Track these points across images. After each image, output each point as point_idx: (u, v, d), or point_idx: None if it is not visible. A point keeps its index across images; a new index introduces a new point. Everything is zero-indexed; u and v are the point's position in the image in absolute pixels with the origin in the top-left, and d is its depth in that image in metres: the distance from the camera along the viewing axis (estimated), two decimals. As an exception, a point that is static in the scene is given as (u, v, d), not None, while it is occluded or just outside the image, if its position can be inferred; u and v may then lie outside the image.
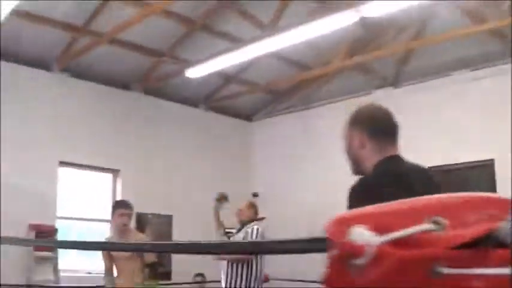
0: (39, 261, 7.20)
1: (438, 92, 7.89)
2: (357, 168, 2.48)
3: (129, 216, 5.44)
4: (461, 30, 7.11)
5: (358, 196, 2.27)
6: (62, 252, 7.46)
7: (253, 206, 6.51)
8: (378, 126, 2.42)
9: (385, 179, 2.31)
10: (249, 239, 6.09)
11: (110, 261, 5.43)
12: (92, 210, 8.10)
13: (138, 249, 4.76)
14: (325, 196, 8.89)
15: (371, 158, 2.38)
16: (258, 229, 6.27)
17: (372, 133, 2.39)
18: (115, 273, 5.49)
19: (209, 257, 8.71)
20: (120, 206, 5.51)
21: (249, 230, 6.21)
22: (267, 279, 8.36)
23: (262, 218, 9.65)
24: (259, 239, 6.18)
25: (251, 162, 10.25)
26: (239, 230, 6.34)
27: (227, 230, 6.57)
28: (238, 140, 10.15)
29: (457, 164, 7.67)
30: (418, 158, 7.44)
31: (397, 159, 2.39)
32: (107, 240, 5.60)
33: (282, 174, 9.63)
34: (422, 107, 7.98)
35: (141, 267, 5.45)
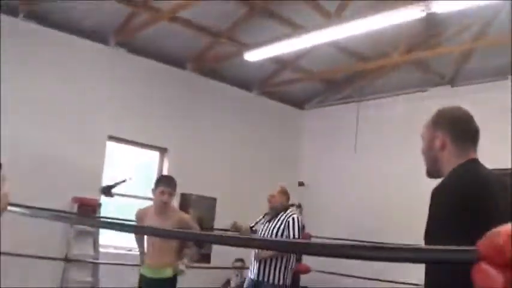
0: (80, 235, 7.21)
1: (497, 93, 7.61)
2: (433, 169, 2.55)
3: (170, 194, 5.21)
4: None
5: (444, 198, 2.29)
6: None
7: (285, 193, 6.15)
8: (461, 130, 2.49)
9: (470, 182, 2.33)
10: (291, 230, 5.87)
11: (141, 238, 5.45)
12: (137, 188, 8.04)
13: (174, 235, 4.70)
14: (371, 191, 8.75)
15: (450, 160, 2.45)
16: (298, 218, 6.04)
17: (454, 136, 2.47)
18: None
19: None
20: (161, 183, 5.27)
21: (290, 220, 5.95)
22: (308, 271, 8.24)
23: (296, 205, 9.59)
24: (299, 230, 5.98)
25: (300, 151, 10.11)
26: (272, 218, 6.05)
27: (252, 225, 6.24)
28: (288, 128, 10.02)
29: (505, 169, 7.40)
30: (480, 159, 7.09)
31: (477, 163, 2.44)
32: (141, 212, 5.43)
33: (330, 166, 9.48)
34: (479, 107, 7.71)
35: (177, 248, 5.33)
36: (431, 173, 2.58)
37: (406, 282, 6.84)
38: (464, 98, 7.68)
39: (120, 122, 7.65)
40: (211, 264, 8.52)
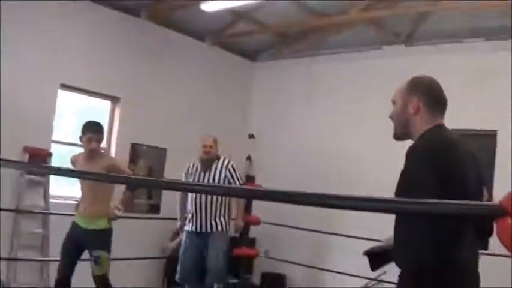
0: (30, 186, 7.06)
1: (449, 56, 7.73)
2: (403, 131, 2.79)
3: (98, 141, 5.28)
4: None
5: (420, 156, 2.52)
6: (53, 178, 7.34)
7: (217, 142, 6.52)
8: (434, 97, 2.75)
9: (441, 144, 2.61)
10: (235, 177, 6.38)
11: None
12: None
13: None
14: (322, 144, 8.85)
15: (421, 124, 2.69)
16: (233, 165, 6.47)
17: (428, 102, 2.72)
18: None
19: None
20: (88, 130, 5.27)
21: (230, 168, 6.41)
22: (258, 222, 8.34)
23: (246, 157, 9.66)
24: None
25: (250, 103, 10.09)
26: (208, 168, 6.36)
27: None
28: (240, 79, 9.96)
29: (459, 130, 7.57)
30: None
31: (445, 128, 2.72)
32: (73, 158, 5.50)
33: (280, 118, 9.50)
34: (431, 68, 7.81)
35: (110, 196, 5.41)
36: (400, 136, 2.82)
37: (357, 236, 7.00)
38: (418, 58, 7.83)
39: (72, 71, 7.43)
40: (161, 215, 8.52)
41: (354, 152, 8.29)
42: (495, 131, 7.28)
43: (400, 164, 2.53)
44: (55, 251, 6.96)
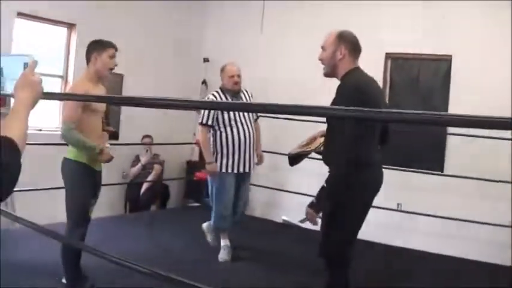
0: (-6, 116, 6.95)
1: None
2: (331, 71, 3.75)
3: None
4: None
5: (346, 91, 3.57)
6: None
7: None
8: (355, 46, 3.72)
9: (363, 81, 3.66)
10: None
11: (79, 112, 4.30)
12: (45, 66, 7.75)
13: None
14: (274, 70, 8.90)
15: (345, 66, 3.68)
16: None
17: (351, 50, 3.69)
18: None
19: (157, 118, 8.74)
20: (108, 44, 4.52)
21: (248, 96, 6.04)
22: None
23: (202, 81, 9.65)
24: None
25: (205, 28, 9.98)
26: (238, 99, 5.85)
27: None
28: (194, 5, 9.76)
29: (415, 54, 7.73)
30: (378, 43, 7.45)
31: (361, 69, 3.74)
32: (79, 86, 4.46)
33: (235, 43, 9.44)
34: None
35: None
36: (329, 74, 3.77)
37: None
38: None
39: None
40: (120, 141, 8.54)
41: (299, 80, 8.33)
42: (450, 56, 7.43)
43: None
44: (21, 184, 6.98)
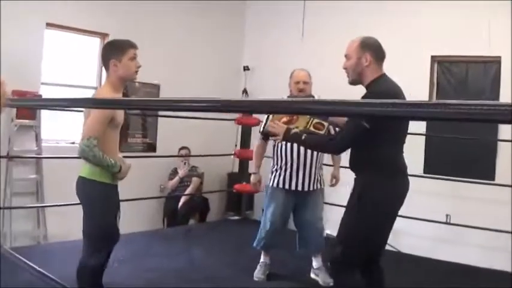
0: (21, 131, 6.80)
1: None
2: (357, 79, 3.70)
3: None
4: None
5: (378, 97, 3.33)
6: (44, 121, 7.10)
7: (311, 77, 5.58)
8: (380, 53, 3.67)
9: (393, 87, 3.63)
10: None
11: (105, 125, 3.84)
12: (78, 77, 7.62)
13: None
14: (315, 78, 8.52)
15: (371, 74, 3.63)
16: None
17: (376, 57, 3.64)
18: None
19: (195, 128, 8.53)
20: (130, 44, 3.95)
21: None
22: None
23: (242, 90, 9.41)
24: None
25: (244, 34, 9.74)
26: None
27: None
28: (233, 11, 9.54)
29: (463, 56, 7.32)
30: (421, 46, 7.08)
31: (387, 76, 3.68)
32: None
33: (275, 50, 9.16)
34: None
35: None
36: (354, 82, 3.74)
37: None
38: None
39: (57, 8, 7.06)
40: (157, 153, 8.35)
41: (337, 86, 7.97)
42: (499, 57, 6.99)
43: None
44: (50, 197, 6.85)
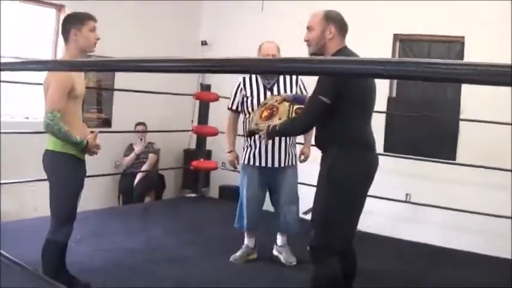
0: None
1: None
2: (318, 51, 3.62)
3: None
4: None
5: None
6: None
7: (279, 50, 5.25)
8: (343, 25, 3.64)
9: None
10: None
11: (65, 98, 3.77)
12: (35, 50, 7.30)
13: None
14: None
15: (334, 46, 3.59)
16: (302, 80, 5.19)
17: (339, 29, 3.61)
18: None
19: (152, 104, 8.30)
20: (88, 16, 3.94)
21: (301, 84, 5.15)
22: (216, 133, 7.98)
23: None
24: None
25: (202, 9, 9.50)
26: (271, 85, 5.07)
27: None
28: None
29: (426, 35, 7.28)
30: (379, 24, 7.02)
31: (349, 48, 3.64)
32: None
33: (234, 25, 8.97)
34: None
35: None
36: (316, 54, 3.63)
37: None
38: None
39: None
40: (112, 129, 8.10)
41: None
42: (462, 37, 6.96)
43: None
44: (7, 174, 6.55)
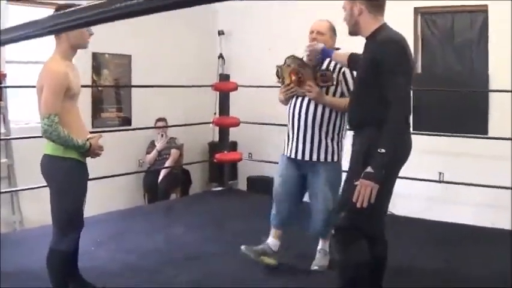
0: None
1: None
2: (353, 29, 3.51)
3: None
4: None
5: (394, 46, 3.32)
6: (11, 103, 6.68)
7: (333, 30, 4.67)
8: (374, 3, 3.41)
9: (399, 34, 3.38)
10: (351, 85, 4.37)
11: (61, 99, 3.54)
12: (40, 53, 7.15)
13: None
14: (287, 38, 8.10)
15: (366, 24, 3.41)
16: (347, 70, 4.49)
17: (370, 6, 3.38)
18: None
19: (171, 100, 8.15)
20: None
21: (346, 72, 4.44)
22: (238, 124, 7.80)
23: (218, 55, 9.03)
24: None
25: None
26: (315, 66, 4.48)
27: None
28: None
29: (448, 6, 6.98)
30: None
31: (389, 26, 3.43)
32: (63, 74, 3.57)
33: (250, 14, 8.71)
34: None
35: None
36: (352, 33, 3.55)
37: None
38: None
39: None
40: (132, 127, 7.94)
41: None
42: (486, 5, 6.64)
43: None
44: (23, 181, 6.44)
